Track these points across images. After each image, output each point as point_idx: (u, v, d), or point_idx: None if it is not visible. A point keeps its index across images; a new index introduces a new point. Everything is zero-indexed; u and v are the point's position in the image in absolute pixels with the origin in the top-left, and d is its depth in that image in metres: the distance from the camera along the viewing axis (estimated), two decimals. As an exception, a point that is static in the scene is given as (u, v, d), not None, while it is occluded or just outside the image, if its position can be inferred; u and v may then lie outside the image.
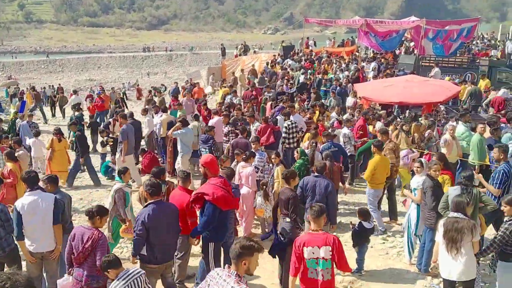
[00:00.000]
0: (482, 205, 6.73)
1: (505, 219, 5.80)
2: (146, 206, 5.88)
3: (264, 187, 8.77)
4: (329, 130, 11.57)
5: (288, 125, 11.89)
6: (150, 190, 5.86)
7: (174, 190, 6.91)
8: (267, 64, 26.15)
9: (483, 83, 18.09)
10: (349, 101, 16.48)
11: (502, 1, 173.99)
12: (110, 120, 15.00)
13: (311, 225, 5.22)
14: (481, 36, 39.45)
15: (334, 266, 5.14)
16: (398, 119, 12.59)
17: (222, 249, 6.62)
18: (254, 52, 37.06)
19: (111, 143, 12.99)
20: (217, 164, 6.41)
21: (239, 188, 7.96)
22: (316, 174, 7.34)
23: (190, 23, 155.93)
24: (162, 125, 13.22)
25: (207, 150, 11.02)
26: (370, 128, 12.32)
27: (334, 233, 8.57)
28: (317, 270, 5.06)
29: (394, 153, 9.36)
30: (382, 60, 23.54)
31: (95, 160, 13.90)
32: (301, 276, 5.15)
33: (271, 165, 9.38)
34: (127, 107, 21.87)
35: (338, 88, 17.99)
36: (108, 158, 13.88)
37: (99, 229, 5.53)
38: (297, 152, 9.43)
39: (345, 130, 11.78)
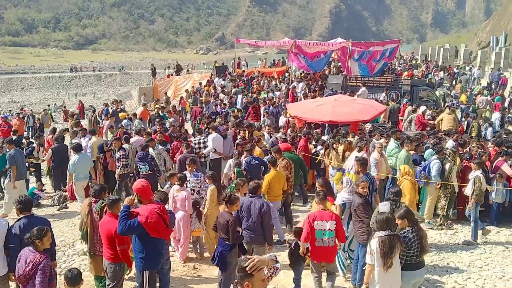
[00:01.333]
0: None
1: (400, 232, 5.99)
2: (17, 220, 6.08)
3: (198, 207, 8.67)
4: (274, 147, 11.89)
5: (195, 140, 12.69)
6: (19, 207, 6.14)
7: (103, 218, 6.62)
8: (200, 84, 26.19)
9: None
10: (282, 120, 16.80)
11: (421, 24, 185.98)
12: (35, 145, 14.23)
13: (319, 205, 6.85)
14: (400, 56, 41.85)
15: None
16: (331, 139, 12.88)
17: (158, 276, 6.42)
18: (188, 71, 36.97)
19: (34, 170, 12.38)
20: (150, 189, 6.22)
21: (174, 213, 7.79)
22: (250, 194, 7.32)
23: (120, 43, 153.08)
24: (92, 149, 12.77)
25: (146, 166, 10.88)
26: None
27: (271, 253, 8.66)
28: (324, 239, 6.70)
29: (288, 170, 9.84)
30: (309, 81, 24.22)
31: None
32: (310, 247, 6.82)
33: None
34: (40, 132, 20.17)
35: (271, 107, 18.27)
36: (33, 184, 13.19)
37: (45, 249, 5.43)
38: (234, 172, 9.40)
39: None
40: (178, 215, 8.32)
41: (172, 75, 34.49)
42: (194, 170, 9.29)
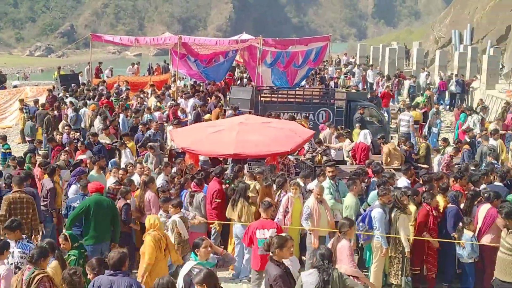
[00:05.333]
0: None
1: None
2: None
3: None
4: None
5: None
6: None
7: None
8: (35, 103, 25.18)
9: None
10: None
11: (359, 14, 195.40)
12: None
13: (261, 214, 10.24)
14: (331, 60, 43.51)
15: None
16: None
17: None
18: (15, 86, 35.51)
19: None
20: None
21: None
22: (111, 271, 7.12)
23: None
24: None
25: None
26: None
27: None
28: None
29: None
30: (209, 98, 24.29)
31: None
32: (253, 255, 10.21)
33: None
34: None
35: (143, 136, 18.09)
36: None
37: None
38: (66, 239, 9.15)
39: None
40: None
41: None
42: (23, 237, 9.03)
